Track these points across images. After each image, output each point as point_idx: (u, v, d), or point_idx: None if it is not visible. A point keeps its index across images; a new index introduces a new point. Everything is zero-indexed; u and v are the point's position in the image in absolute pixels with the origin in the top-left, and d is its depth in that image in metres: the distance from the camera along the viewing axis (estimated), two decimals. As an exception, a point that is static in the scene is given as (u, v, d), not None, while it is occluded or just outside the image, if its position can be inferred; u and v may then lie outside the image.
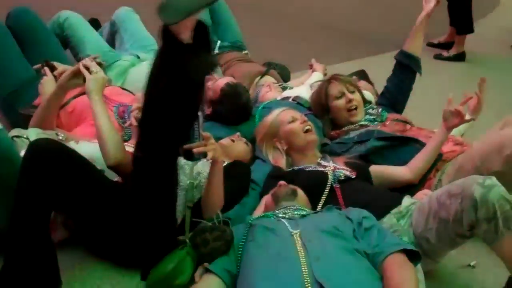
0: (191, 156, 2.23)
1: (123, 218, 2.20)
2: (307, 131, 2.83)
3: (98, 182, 2.23)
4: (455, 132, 3.06)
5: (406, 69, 3.35)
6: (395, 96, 3.38)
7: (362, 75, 3.90)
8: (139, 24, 3.94)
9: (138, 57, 3.68)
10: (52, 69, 3.09)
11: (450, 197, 2.15)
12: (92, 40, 3.73)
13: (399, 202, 2.42)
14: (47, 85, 2.92)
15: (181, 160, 2.41)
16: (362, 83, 3.69)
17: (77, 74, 2.68)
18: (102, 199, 2.20)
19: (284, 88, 3.75)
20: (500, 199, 2.06)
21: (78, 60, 3.68)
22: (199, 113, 2.18)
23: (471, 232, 2.13)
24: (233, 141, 2.90)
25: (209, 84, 3.23)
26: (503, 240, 2.08)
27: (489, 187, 2.08)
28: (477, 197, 2.07)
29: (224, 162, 2.54)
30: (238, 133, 2.93)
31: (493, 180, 2.11)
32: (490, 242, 2.12)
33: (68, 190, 2.10)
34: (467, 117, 2.81)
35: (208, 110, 3.20)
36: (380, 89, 3.80)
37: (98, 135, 2.43)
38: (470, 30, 5.64)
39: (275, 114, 2.91)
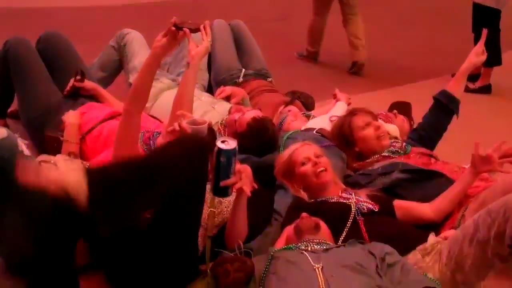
0: (226, 193, 2.25)
1: (143, 247, 2.19)
2: (319, 173, 2.76)
3: None
4: None
5: (444, 109, 3.32)
6: (428, 134, 3.34)
7: (404, 109, 3.86)
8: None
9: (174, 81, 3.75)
10: (83, 79, 3.28)
11: (490, 214, 2.12)
12: (142, 55, 3.77)
13: (424, 239, 2.39)
14: (70, 116, 2.99)
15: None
16: (399, 118, 3.68)
17: (173, 35, 2.63)
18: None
19: (307, 117, 3.75)
20: None
21: (126, 68, 3.92)
22: (236, 149, 2.18)
23: (510, 250, 2.07)
24: None
25: (236, 117, 3.24)
26: None
27: None
28: None
29: None
30: None
31: None
32: None
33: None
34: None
35: (233, 141, 3.20)
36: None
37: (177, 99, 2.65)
38: (498, 62, 5.60)
39: (288, 153, 2.87)
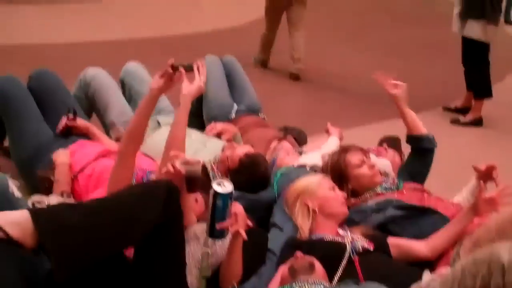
0: (222, 235, 2.24)
1: None
2: (343, 203, 2.85)
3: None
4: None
5: (421, 150, 3.37)
6: (416, 169, 3.37)
7: (393, 143, 3.87)
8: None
9: (158, 123, 3.70)
10: (75, 118, 3.28)
11: (475, 264, 2.10)
12: (116, 105, 3.75)
13: (418, 277, 2.37)
14: (60, 156, 2.97)
15: (197, 230, 2.40)
16: (389, 152, 3.69)
17: (170, 76, 2.64)
18: (113, 274, 2.16)
19: (300, 153, 3.74)
20: None
21: (103, 122, 3.78)
22: (232, 191, 2.17)
23: None
24: None
25: (228, 153, 3.24)
26: None
27: None
28: (505, 262, 2.01)
29: None
30: None
31: None
32: None
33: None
34: None
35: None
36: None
37: (170, 140, 2.65)
38: (489, 94, 5.65)
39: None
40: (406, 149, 3.51)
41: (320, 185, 2.87)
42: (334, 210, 2.81)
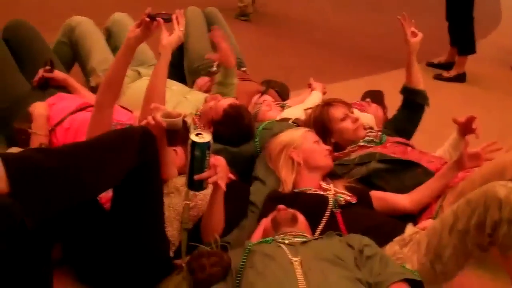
0: (201, 187, 2.19)
1: (111, 242, 2.14)
2: (327, 155, 2.84)
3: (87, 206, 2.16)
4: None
5: (413, 105, 3.35)
6: (403, 127, 3.36)
7: (375, 96, 3.84)
8: None
9: (139, 73, 3.63)
10: (52, 69, 3.20)
11: (469, 204, 2.11)
12: (99, 52, 3.69)
13: (402, 230, 2.37)
14: (38, 108, 2.90)
15: (177, 182, 2.36)
16: (373, 106, 3.66)
17: (147, 25, 2.55)
18: (91, 223, 2.14)
19: (282, 107, 3.70)
20: None
21: (84, 69, 3.72)
22: (210, 142, 2.13)
23: (491, 239, 2.07)
24: None
25: (212, 104, 3.19)
26: None
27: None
28: (501, 196, 2.03)
29: None
30: None
31: None
32: (506, 250, 2.06)
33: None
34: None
35: (208, 130, 3.13)
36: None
37: (149, 91, 2.62)
38: (472, 51, 5.62)
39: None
40: (390, 104, 3.49)
41: (305, 138, 2.85)
42: (319, 163, 2.80)
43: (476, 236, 2.09)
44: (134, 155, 2.04)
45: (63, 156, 1.91)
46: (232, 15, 6.22)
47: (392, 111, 3.50)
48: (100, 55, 3.67)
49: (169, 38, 2.71)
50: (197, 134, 2.12)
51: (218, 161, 2.29)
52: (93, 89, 3.42)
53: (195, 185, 2.19)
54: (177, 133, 2.39)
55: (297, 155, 2.79)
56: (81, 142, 2.28)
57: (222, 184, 2.24)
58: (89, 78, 3.66)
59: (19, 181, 1.74)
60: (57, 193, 1.84)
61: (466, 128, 3.05)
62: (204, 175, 2.16)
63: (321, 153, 2.82)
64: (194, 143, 2.11)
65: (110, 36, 3.90)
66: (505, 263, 2.11)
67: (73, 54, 3.77)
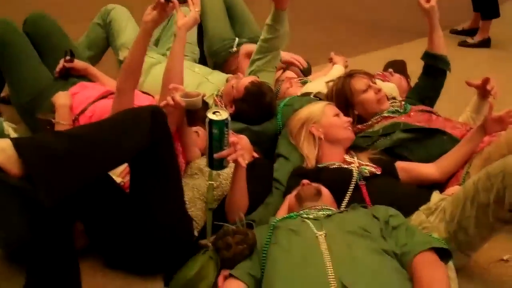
0: (221, 165, 2.19)
1: (134, 224, 2.17)
2: (348, 127, 2.82)
3: (110, 190, 2.19)
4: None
5: (435, 70, 3.28)
6: (426, 94, 3.31)
7: (398, 67, 3.80)
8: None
9: (153, 58, 3.65)
10: (72, 59, 3.22)
11: (489, 178, 2.10)
12: (129, 31, 3.75)
13: (427, 199, 2.35)
14: (60, 98, 2.92)
15: (201, 163, 2.37)
16: (396, 76, 3.62)
17: (162, 7, 2.56)
18: (113, 207, 2.17)
19: (304, 83, 3.67)
20: None
21: (114, 45, 3.80)
22: (228, 119, 2.13)
23: (511, 213, 2.06)
24: None
25: (233, 82, 3.18)
26: None
27: None
28: None
29: None
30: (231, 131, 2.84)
31: None
32: None
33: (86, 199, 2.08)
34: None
35: (231, 109, 3.15)
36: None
37: (167, 73, 2.62)
38: (496, 14, 5.51)
39: (322, 104, 2.90)
40: (414, 74, 3.44)
41: (324, 112, 2.83)
42: (340, 136, 2.79)
43: (496, 210, 2.08)
44: (146, 133, 2.06)
45: (73, 136, 1.95)
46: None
47: (414, 80, 3.46)
48: (132, 33, 3.71)
49: (184, 19, 2.70)
50: (214, 112, 2.12)
51: (239, 139, 2.29)
52: (121, 63, 3.49)
53: (215, 164, 2.18)
54: (196, 113, 2.40)
55: (317, 130, 2.78)
56: (91, 123, 2.32)
57: (242, 162, 2.23)
58: (118, 52, 3.74)
59: (32, 164, 1.78)
60: (70, 172, 1.87)
61: (482, 91, 3.01)
62: (223, 153, 2.16)
63: (341, 126, 2.81)
64: (211, 121, 2.10)
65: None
66: None
67: (104, 37, 3.86)
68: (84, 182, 1.96)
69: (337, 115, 2.85)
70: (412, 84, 3.53)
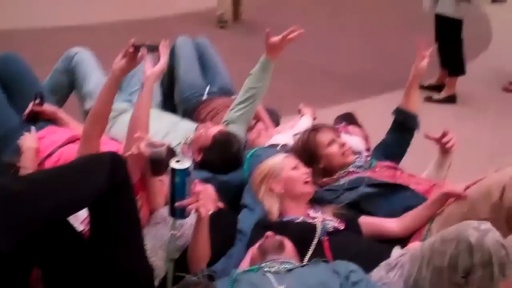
0: (182, 215, 2.20)
1: (93, 272, 2.15)
2: (306, 182, 2.80)
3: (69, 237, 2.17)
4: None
5: (404, 127, 3.34)
6: (393, 150, 3.35)
7: (349, 119, 3.86)
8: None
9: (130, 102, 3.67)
10: (42, 103, 3.21)
11: (444, 243, 2.11)
12: (94, 79, 3.72)
13: (388, 254, 2.37)
14: (27, 140, 2.91)
15: (164, 212, 2.37)
16: (350, 129, 3.67)
17: (131, 56, 2.59)
18: (72, 254, 2.15)
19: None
20: (495, 244, 2.02)
21: (79, 93, 3.76)
22: (190, 168, 2.14)
23: (465, 279, 2.07)
24: None
25: (202, 131, 3.21)
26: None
27: (485, 232, 2.04)
28: (472, 241, 2.02)
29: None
30: (197, 180, 2.79)
31: (488, 224, 2.07)
32: None
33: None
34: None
35: (198, 158, 3.16)
36: (370, 132, 3.80)
37: (132, 122, 2.62)
38: (462, 72, 5.65)
39: (281, 157, 2.90)
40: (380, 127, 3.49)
41: (283, 166, 2.84)
42: (298, 190, 2.79)
43: (450, 275, 2.08)
44: (105, 179, 2.05)
45: (31, 180, 1.97)
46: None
47: (379, 134, 3.50)
48: (97, 79, 3.70)
49: (152, 69, 2.73)
50: (177, 161, 2.13)
51: (204, 188, 2.30)
52: (87, 113, 3.46)
53: (177, 213, 2.19)
54: (161, 163, 2.41)
55: (277, 185, 2.80)
56: (52, 167, 2.32)
57: (203, 212, 2.24)
58: (83, 102, 3.71)
59: None
60: (25, 215, 1.87)
61: (441, 144, 3.10)
62: (184, 202, 2.16)
63: (300, 180, 2.80)
64: (173, 169, 2.12)
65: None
66: None
67: (68, 82, 3.82)
68: (40, 225, 1.96)
69: (295, 168, 2.85)
70: (378, 138, 3.58)
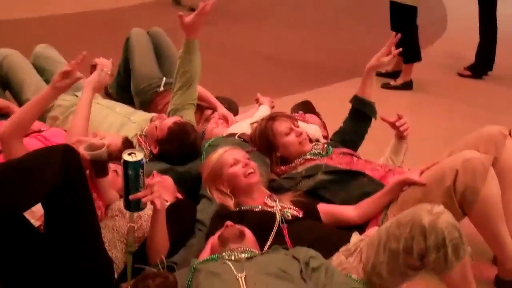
0: (138, 207, 2.18)
1: (51, 268, 2.11)
2: (248, 175, 2.76)
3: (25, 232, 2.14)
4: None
5: (361, 115, 3.36)
6: (350, 138, 3.38)
7: (306, 107, 3.88)
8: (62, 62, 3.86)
9: (77, 96, 3.60)
10: None
11: (399, 227, 2.14)
12: (31, 83, 3.65)
13: (347, 240, 2.38)
14: None
15: (120, 205, 2.35)
16: (307, 117, 3.68)
17: (70, 73, 2.63)
18: (28, 250, 2.11)
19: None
20: (448, 226, 2.05)
21: (18, 101, 3.64)
22: (143, 161, 2.12)
23: (421, 262, 2.11)
24: None
25: (157, 123, 3.18)
26: (452, 270, 2.08)
27: (438, 214, 2.07)
28: (425, 224, 2.05)
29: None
30: (155, 171, 2.77)
31: (441, 207, 2.11)
32: (439, 272, 2.11)
33: None
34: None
35: (155, 150, 3.14)
36: (327, 120, 3.83)
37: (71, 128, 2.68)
38: (418, 58, 5.71)
39: (217, 156, 2.85)
40: (338, 116, 3.51)
41: (222, 165, 2.81)
42: (243, 184, 2.77)
43: (406, 258, 2.11)
44: (55, 172, 2.01)
45: None
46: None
47: (336, 120, 3.52)
48: (33, 85, 3.62)
49: (92, 77, 2.79)
50: (129, 154, 2.11)
51: (163, 179, 2.28)
52: None
53: (132, 206, 2.17)
54: (103, 164, 2.40)
55: (223, 184, 2.80)
56: (3, 162, 2.29)
57: (158, 204, 2.23)
58: None
59: None
60: None
61: (395, 128, 3.16)
62: (139, 194, 2.14)
63: (240, 175, 2.76)
64: (126, 162, 2.09)
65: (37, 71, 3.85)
66: (442, 280, 2.16)
67: (2, 88, 3.74)
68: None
69: (234, 164, 2.79)
70: (336, 126, 3.60)
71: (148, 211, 2.33)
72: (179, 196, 2.82)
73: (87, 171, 2.43)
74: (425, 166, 2.70)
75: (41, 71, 3.81)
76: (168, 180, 2.79)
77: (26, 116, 2.62)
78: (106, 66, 2.82)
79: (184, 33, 3.28)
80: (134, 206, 2.17)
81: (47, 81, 3.68)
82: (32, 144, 2.79)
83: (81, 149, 2.34)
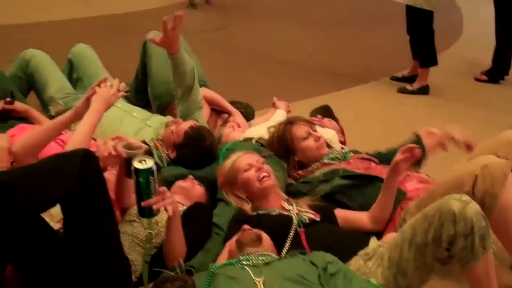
0: (150, 213, 2.18)
1: (70, 269, 2.12)
2: (262, 178, 2.75)
3: (44, 234, 2.15)
4: None
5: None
6: None
7: (325, 111, 3.88)
8: (97, 64, 3.93)
9: None
10: (13, 101, 3.20)
11: (426, 218, 2.15)
12: (55, 81, 3.69)
13: (365, 244, 2.38)
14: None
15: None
16: (326, 121, 3.68)
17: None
18: (48, 251, 2.12)
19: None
20: (477, 215, 2.09)
21: (41, 99, 3.69)
22: (153, 167, 2.12)
23: (449, 253, 2.12)
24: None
25: (173, 127, 3.19)
26: (477, 262, 2.10)
27: (466, 202, 2.11)
28: (455, 210, 2.08)
29: (184, 206, 2.49)
30: (191, 176, 2.85)
31: (468, 197, 2.14)
32: (465, 264, 2.12)
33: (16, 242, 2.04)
34: None
35: (172, 155, 3.15)
36: (344, 124, 3.82)
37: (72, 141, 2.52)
38: (434, 62, 5.68)
39: (231, 161, 2.85)
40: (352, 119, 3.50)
41: (236, 171, 2.81)
42: (257, 189, 2.76)
43: (434, 250, 2.13)
44: (73, 177, 2.02)
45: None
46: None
47: (353, 125, 3.50)
48: (57, 84, 3.68)
49: (103, 91, 2.67)
50: (140, 161, 2.12)
51: (189, 187, 2.27)
52: (52, 118, 3.41)
53: (146, 212, 2.17)
54: None
55: (239, 190, 2.80)
56: (21, 167, 2.32)
57: (170, 210, 2.22)
58: (48, 108, 3.65)
59: None
60: None
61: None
62: (151, 201, 2.14)
63: (254, 180, 2.75)
64: (137, 169, 2.10)
65: (71, 68, 3.92)
66: (465, 276, 2.15)
67: (27, 88, 3.78)
68: (7, 223, 1.95)
69: (247, 169, 2.78)
70: (351, 130, 3.58)
71: (165, 216, 2.34)
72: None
73: (117, 170, 2.43)
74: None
75: (76, 68, 3.91)
76: (197, 188, 2.81)
77: (41, 140, 2.60)
78: (122, 87, 2.78)
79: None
80: (147, 212, 2.17)
81: (78, 80, 3.81)
82: (50, 147, 2.80)
83: (119, 146, 2.33)
